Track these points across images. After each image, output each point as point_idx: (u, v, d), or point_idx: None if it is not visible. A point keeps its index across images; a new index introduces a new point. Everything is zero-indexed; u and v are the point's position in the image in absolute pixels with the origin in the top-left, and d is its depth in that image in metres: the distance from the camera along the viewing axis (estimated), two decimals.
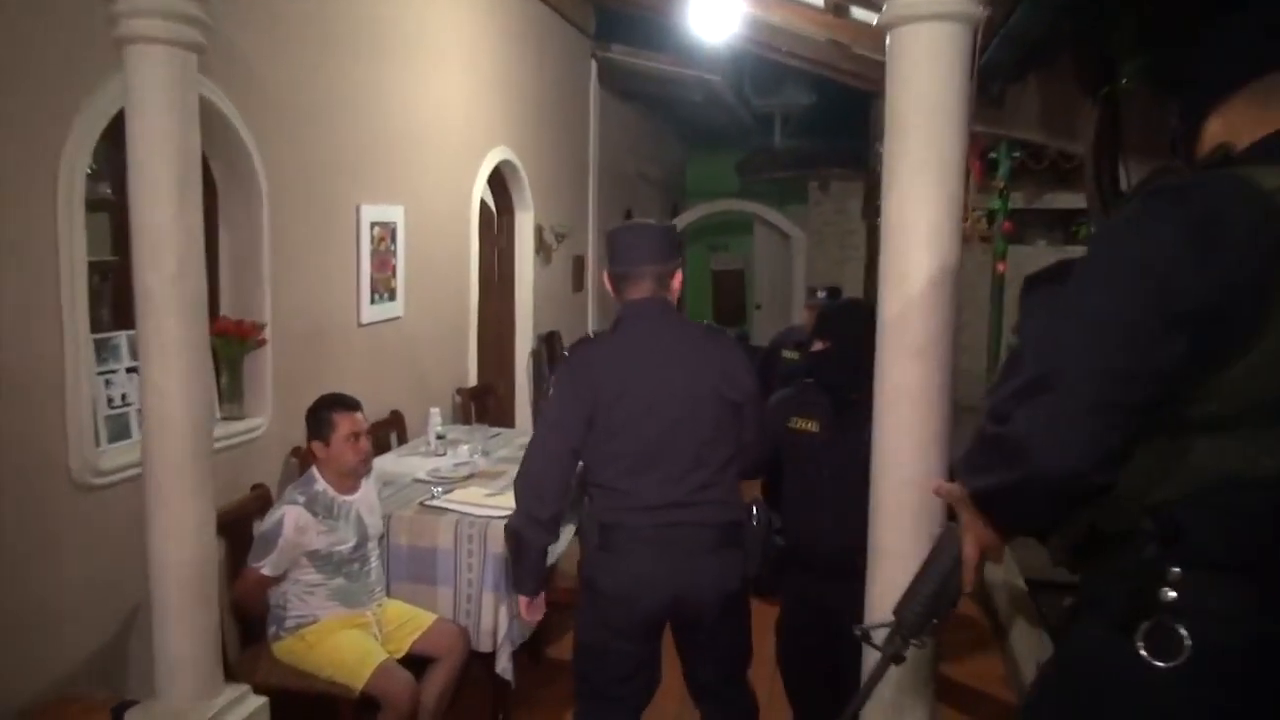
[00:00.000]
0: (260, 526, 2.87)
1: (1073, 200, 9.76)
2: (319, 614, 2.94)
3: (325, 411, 2.97)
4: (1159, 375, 1.15)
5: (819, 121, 11.39)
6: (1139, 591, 1.21)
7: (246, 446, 3.60)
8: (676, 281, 2.37)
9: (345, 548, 2.95)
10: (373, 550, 3.09)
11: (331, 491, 2.97)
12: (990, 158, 6.71)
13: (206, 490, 2.49)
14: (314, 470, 2.99)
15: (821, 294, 4.76)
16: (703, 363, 2.34)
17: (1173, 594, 1.20)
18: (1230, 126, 1.31)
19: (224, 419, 3.58)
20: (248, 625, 3.10)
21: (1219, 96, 1.33)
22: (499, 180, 6.18)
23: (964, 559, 1.37)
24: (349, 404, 3.01)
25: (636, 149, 9.44)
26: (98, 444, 2.91)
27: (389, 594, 3.39)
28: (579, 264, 7.66)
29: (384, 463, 4.14)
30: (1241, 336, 1.14)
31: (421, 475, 3.93)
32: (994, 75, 4.07)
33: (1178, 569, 1.20)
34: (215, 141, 3.47)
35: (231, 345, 3.51)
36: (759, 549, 2.41)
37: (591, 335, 2.36)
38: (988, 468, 1.25)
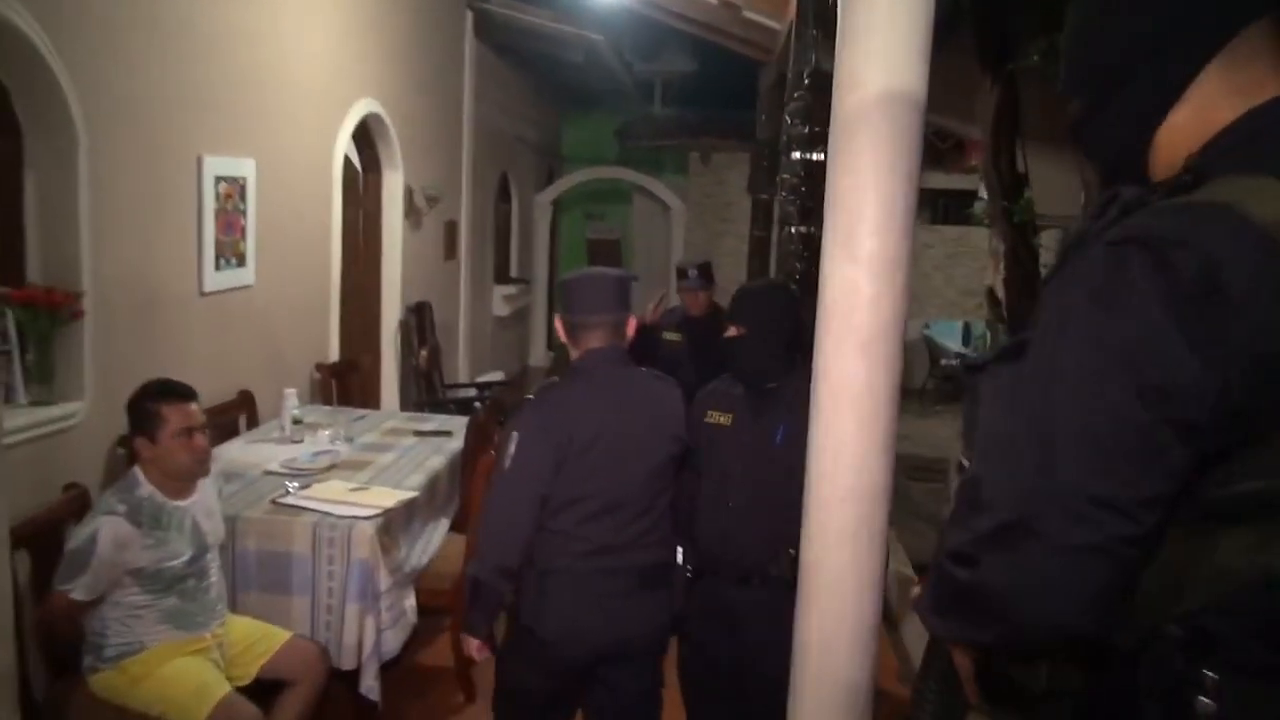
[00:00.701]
0: (70, 542, 2.38)
1: (946, 180, 9.90)
2: (146, 641, 2.48)
3: (150, 403, 2.49)
4: (1168, 496, 0.88)
5: (701, 90, 11.16)
6: (1169, 708, 0.96)
7: (60, 437, 3.06)
8: (630, 329, 2.38)
9: (178, 562, 2.49)
10: (212, 562, 2.64)
11: (159, 496, 2.50)
12: None
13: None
14: (137, 471, 2.51)
15: (693, 273, 4.41)
16: (660, 411, 2.37)
17: (1210, 704, 0.95)
18: (1201, 114, 0.99)
19: (31, 404, 3.02)
20: (58, 653, 2.60)
21: (1183, 79, 1.00)
22: (365, 136, 5.64)
23: (959, 671, 1.11)
24: (180, 393, 2.53)
25: (513, 110, 8.96)
26: None
27: (235, 606, 2.95)
28: (451, 230, 7.17)
29: (230, 451, 3.65)
30: (1276, 405, 0.88)
31: (274, 467, 3.47)
32: None
33: (1213, 673, 0.95)
34: (14, 70, 2.90)
35: (39, 317, 2.95)
36: (682, 586, 2.44)
37: (554, 380, 2.35)
38: (960, 616, 1.00)
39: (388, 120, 5.65)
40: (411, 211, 6.18)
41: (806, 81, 3.61)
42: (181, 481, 2.54)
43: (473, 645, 2.35)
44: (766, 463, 2.38)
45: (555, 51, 7.77)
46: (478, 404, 6.09)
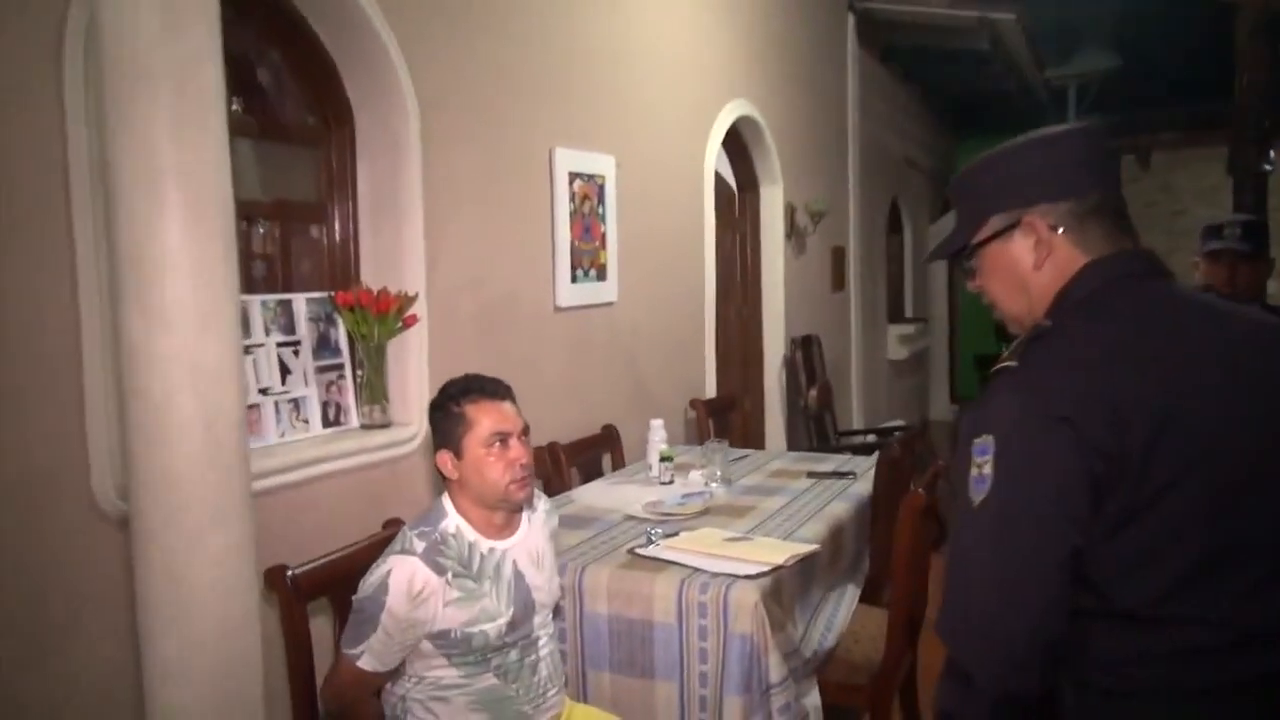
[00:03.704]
0: (358, 591, 1.77)
1: None
2: None
3: (451, 404, 1.85)
4: None
5: (1126, 88, 9.38)
6: None
7: (392, 466, 2.58)
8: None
9: (495, 626, 1.79)
10: (542, 628, 1.92)
11: (470, 533, 1.83)
12: None
13: (242, 559, 1.40)
14: (444, 500, 1.87)
15: (1235, 231, 2.79)
16: (1276, 360, 1.13)
17: None
18: None
19: (363, 428, 2.58)
20: None
21: None
22: (737, 146, 4.98)
23: None
24: (490, 390, 1.87)
25: (901, 128, 7.97)
26: None
27: (583, 691, 2.23)
28: (839, 256, 6.29)
29: (587, 493, 3.01)
30: None
31: (635, 510, 2.75)
32: None
33: None
34: (342, 40, 2.52)
35: (368, 323, 2.51)
36: None
37: (1046, 326, 1.15)
38: None
39: (764, 125, 4.95)
40: (794, 232, 5.41)
41: None
42: (498, 510, 1.85)
43: None
44: None
45: (952, 46, 6.69)
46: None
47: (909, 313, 8.44)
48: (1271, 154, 5.40)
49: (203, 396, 1.34)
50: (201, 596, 1.36)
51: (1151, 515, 1.03)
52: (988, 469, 1.07)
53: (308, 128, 2.58)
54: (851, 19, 6.43)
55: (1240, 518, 1.05)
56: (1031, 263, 1.19)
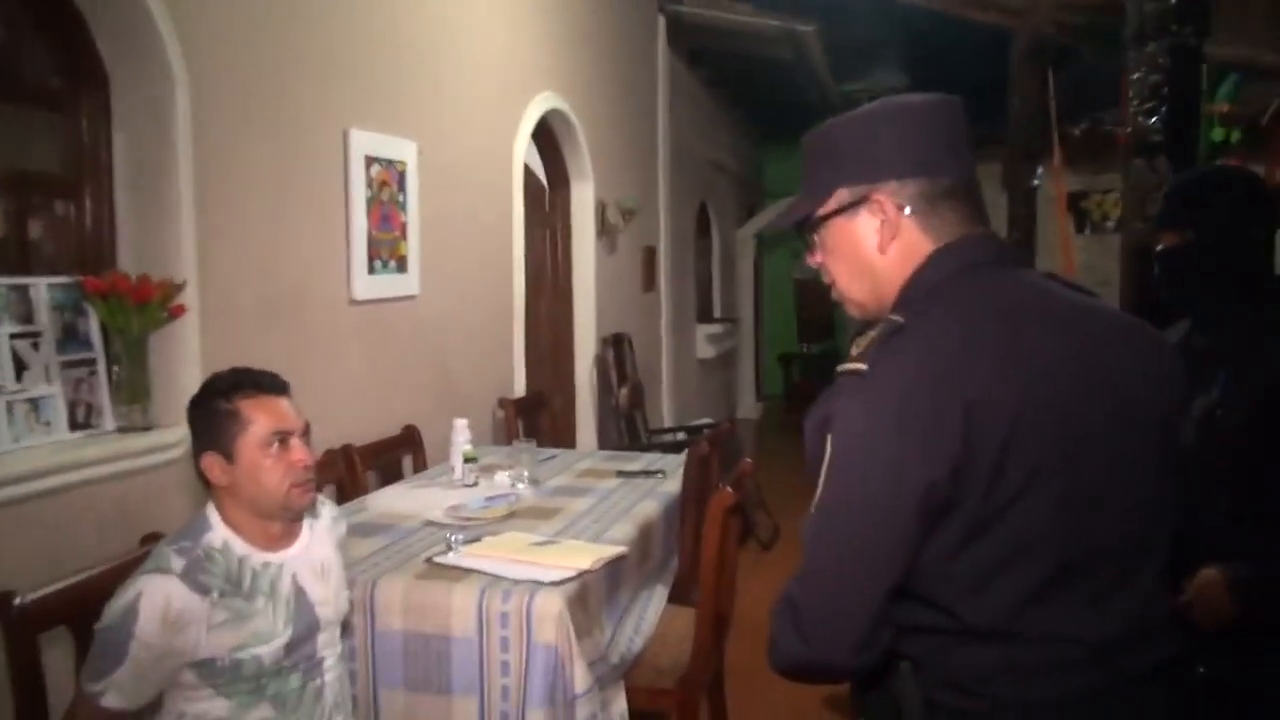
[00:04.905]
0: (101, 619, 1.53)
1: None
2: None
3: (222, 400, 1.64)
4: None
5: None
6: None
7: (154, 474, 2.29)
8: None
9: (270, 649, 1.60)
10: (328, 649, 1.74)
11: (241, 546, 1.62)
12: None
13: None
14: (209, 511, 1.65)
15: None
16: (1139, 357, 1.09)
17: None
18: None
19: (120, 430, 2.28)
20: None
21: None
22: (548, 140, 4.88)
23: None
24: (265, 384, 1.67)
25: (710, 133, 8.12)
26: None
27: (374, 715, 2.05)
28: (650, 256, 6.31)
29: (386, 499, 2.82)
30: None
31: (435, 515, 2.59)
32: None
33: None
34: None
35: (125, 314, 2.22)
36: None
37: (897, 322, 1.03)
38: None
39: (574, 120, 4.87)
40: (605, 230, 5.36)
41: None
42: (275, 519, 1.66)
43: None
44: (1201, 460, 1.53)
45: (758, 53, 6.87)
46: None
47: (717, 313, 8.62)
48: (1039, 170, 5.86)
49: None
50: None
51: (1000, 528, 0.97)
52: (820, 474, 1.01)
53: (51, 90, 2.26)
54: (662, 20, 6.47)
55: (1089, 527, 1.00)
56: (876, 244, 1.09)
